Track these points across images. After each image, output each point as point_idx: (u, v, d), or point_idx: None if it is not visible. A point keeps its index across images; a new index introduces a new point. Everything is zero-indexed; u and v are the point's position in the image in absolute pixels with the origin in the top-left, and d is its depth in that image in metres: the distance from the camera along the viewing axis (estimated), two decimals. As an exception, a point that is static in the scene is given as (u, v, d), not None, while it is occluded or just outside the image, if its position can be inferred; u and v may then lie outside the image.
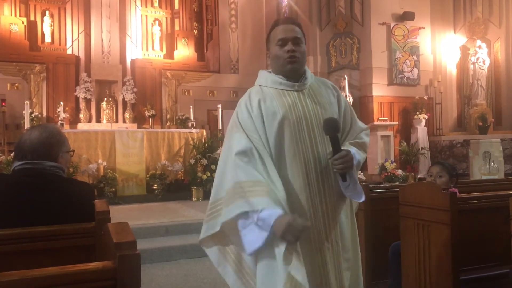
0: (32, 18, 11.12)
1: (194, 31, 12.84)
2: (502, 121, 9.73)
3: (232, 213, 1.72)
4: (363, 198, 1.90)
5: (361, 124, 2.03)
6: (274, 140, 1.81)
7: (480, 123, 9.48)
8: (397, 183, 7.81)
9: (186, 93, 11.86)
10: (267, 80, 1.94)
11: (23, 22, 10.75)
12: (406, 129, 9.98)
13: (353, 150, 1.84)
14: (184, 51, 12.17)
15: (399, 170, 8.67)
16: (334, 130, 1.76)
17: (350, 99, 9.11)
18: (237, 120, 1.86)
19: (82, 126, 10.30)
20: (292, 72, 1.89)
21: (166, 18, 12.44)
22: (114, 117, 10.89)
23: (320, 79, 2.03)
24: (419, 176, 9.12)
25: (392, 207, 3.15)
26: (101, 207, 1.80)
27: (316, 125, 1.85)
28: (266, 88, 1.91)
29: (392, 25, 9.84)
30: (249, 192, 1.69)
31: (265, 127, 1.82)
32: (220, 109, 9.08)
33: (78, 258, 1.68)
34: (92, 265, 1.21)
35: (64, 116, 9.96)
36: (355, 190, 1.86)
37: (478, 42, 9.82)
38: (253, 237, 1.70)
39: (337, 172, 1.79)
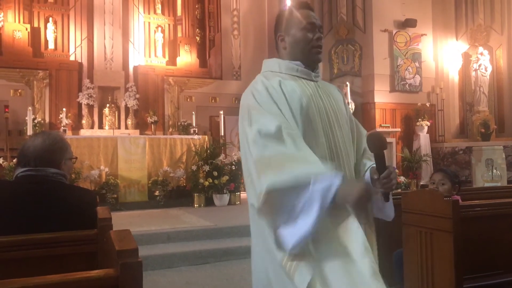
0: (35, 25, 11.19)
1: (197, 37, 12.89)
2: (504, 128, 9.72)
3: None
4: (393, 215, 1.75)
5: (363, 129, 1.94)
6: (302, 128, 1.59)
7: (483, 130, 9.46)
8: (399, 190, 7.79)
9: (188, 100, 11.89)
10: (280, 66, 1.76)
11: (26, 29, 10.81)
12: (408, 136, 9.97)
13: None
14: (187, 58, 12.21)
15: (402, 177, 8.65)
16: (381, 146, 1.54)
17: (352, 106, 9.12)
18: (255, 103, 1.60)
19: (84, 132, 10.32)
20: (317, 62, 1.76)
21: (169, 24, 12.50)
22: (117, 123, 10.91)
23: (324, 82, 1.93)
24: (421, 183, 9.10)
25: (394, 214, 3.14)
26: (103, 214, 1.80)
27: (334, 118, 1.70)
28: (281, 74, 1.73)
29: (394, 32, 9.86)
30: (286, 163, 1.40)
31: (291, 109, 1.59)
32: (222, 115, 9.09)
33: (80, 265, 1.68)
34: (94, 273, 1.21)
35: (67, 122, 9.98)
36: (390, 207, 1.71)
37: (480, 49, 9.83)
38: (299, 224, 1.38)
39: (385, 191, 1.59)
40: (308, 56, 1.73)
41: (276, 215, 1.44)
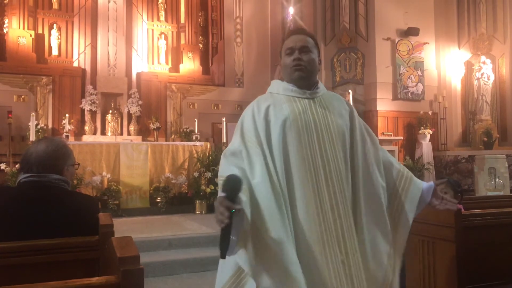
0: (40, 31, 11.26)
1: (200, 45, 12.95)
2: (507, 136, 9.70)
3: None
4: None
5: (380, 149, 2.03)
6: (281, 144, 1.79)
7: (485, 139, 9.45)
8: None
9: (191, 106, 11.92)
10: (278, 88, 1.96)
11: (31, 35, 10.88)
12: (410, 144, 9.95)
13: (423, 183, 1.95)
14: (190, 65, 12.26)
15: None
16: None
17: (354, 114, 9.11)
18: (240, 124, 1.89)
19: (87, 138, 10.34)
20: (300, 79, 1.91)
21: (172, 32, 12.57)
22: (119, 130, 10.93)
23: (333, 93, 2.05)
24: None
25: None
26: (105, 221, 1.80)
27: (326, 131, 1.84)
28: (277, 95, 1.93)
29: (396, 41, 9.88)
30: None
31: (270, 131, 1.81)
32: (224, 122, 9.10)
33: (81, 272, 1.68)
34: (95, 280, 1.21)
35: (69, 128, 10.01)
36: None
37: (483, 58, 9.84)
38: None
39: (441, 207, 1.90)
40: (291, 77, 1.93)
41: None
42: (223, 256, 1.59)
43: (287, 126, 1.80)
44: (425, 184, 1.94)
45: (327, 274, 1.68)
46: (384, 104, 9.75)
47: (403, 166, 2.00)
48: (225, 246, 1.58)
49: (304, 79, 1.91)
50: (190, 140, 10.11)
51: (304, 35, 1.96)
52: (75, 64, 11.40)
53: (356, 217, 1.82)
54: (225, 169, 1.76)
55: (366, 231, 1.82)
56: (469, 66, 10.20)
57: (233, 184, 1.61)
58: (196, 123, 10.55)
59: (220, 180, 1.74)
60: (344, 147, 1.87)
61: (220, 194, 1.62)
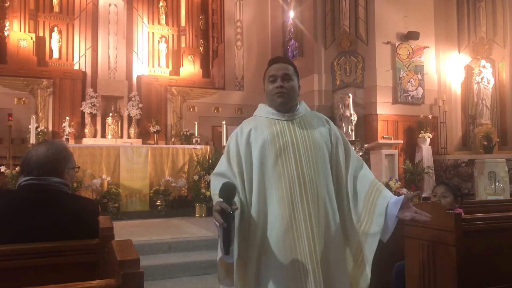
0: (40, 34, 11.28)
1: (200, 48, 12.97)
2: (507, 140, 9.70)
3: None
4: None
5: (357, 156, 2.19)
6: (259, 162, 1.98)
7: (485, 143, 9.45)
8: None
9: (191, 109, 11.93)
10: (261, 111, 2.17)
11: (31, 38, 10.90)
12: (410, 148, 9.95)
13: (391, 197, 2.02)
14: (190, 68, 12.28)
15: (404, 189, 8.62)
16: None
17: (354, 117, 9.12)
18: (227, 147, 2.12)
19: (87, 141, 10.34)
20: (281, 105, 2.09)
21: (173, 35, 12.59)
22: (119, 133, 10.94)
23: (315, 113, 2.22)
24: (423, 195, 9.06)
25: (396, 226, 3.12)
26: (105, 224, 1.80)
27: (304, 150, 2.01)
28: (260, 118, 2.14)
29: (396, 44, 9.90)
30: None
31: (251, 151, 2.02)
32: (224, 126, 9.11)
33: (81, 275, 1.67)
34: (95, 283, 1.21)
35: (70, 131, 10.01)
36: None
37: (483, 62, 9.85)
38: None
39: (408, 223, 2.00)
40: (273, 102, 2.11)
41: None
42: (227, 252, 1.81)
43: (265, 147, 2.00)
44: (393, 198, 1.99)
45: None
46: (384, 108, 9.76)
47: (376, 180, 2.11)
48: (228, 244, 1.79)
49: (285, 104, 2.09)
50: (190, 143, 10.12)
51: (286, 64, 2.15)
52: (76, 67, 11.41)
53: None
54: (217, 186, 1.88)
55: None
56: (469, 70, 10.21)
57: (230, 190, 1.80)
58: (196, 126, 10.56)
59: (214, 196, 1.97)
60: (324, 160, 2.04)
61: (216, 204, 1.80)
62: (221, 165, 2.07)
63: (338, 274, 1.95)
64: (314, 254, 1.88)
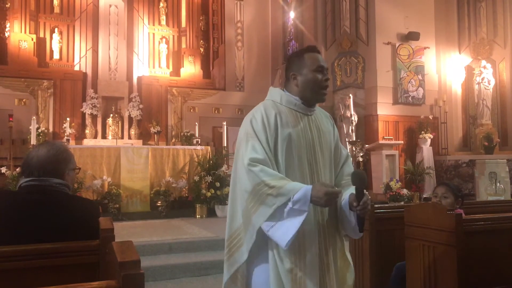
0: (41, 35, 11.29)
1: (201, 49, 12.98)
2: (508, 141, 9.70)
3: (261, 218, 1.79)
4: (360, 235, 2.00)
5: (344, 150, 2.19)
6: (284, 156, 1.90)
7: (486, 143, 9.44)
8: (402, 202, 7.76)
9: (191, 110, 11.93)
10: (281, 98, 2.01)
11: (32, 39, 10.91)
12: (411, 148, 9.95)
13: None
14: (190, 69, 12.28)
15: (404, 190, 8.62)
16: (361, 184, 1.84)
17: (355, 118, 9.12)
18: (251, 130, 1.91)
19: (87, 142, 10.35)
20: (322, 100, 2.04)
21: (173, 36, 12.60)
22: (120, 133, 10.94)
23: (322, 110, 2.16)
24: (424, 196, 9.06)
25: (397, 227, 3.13)
26: (106, 225, 1.80)
27: (320, 151, 1.99)
28: (280, 105, 1.99)
29: (397, 45, 9.90)
30: (273, 188, 1.78)
31: (278, 141, 1.90)
32: (225, 126, 9.11)
33: (82, 276, 1.67)
34: (96, 284, 1.21)
35: (70, 132, 10.01)
36: (358, 228, 1.95)
37: (483, 62, 9.86)
38: (286, 226, 1.76)
39: (361, 215, 1.85)
40: (316, 95, 2.00)
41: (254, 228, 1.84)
42: (362, 230, 1.90)
43: (292, 142, 1.92)
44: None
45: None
46: (385, 108, 9.76)
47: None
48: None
49: (324, 100, 2.06)
50: (191, 144, 10.12)
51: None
52: (76, 68, 11.43)
53: None
54: (266, 172, 1.81)
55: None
56: (469, 70, 10.21)
57: (362, 177, 1.82)
58: (196, 127, 10.57)
59: (269, 186, 1.79)
60: (331, 162, 2.05)
61: (309, 186, 1.78)
62: (255, 149, 1.87)
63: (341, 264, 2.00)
64: (325, 254, 1.91)
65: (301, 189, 1.76)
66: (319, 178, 1.94)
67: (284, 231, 1.75)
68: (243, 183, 1.85)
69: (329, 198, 1.74)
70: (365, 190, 1.91)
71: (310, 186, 1.77)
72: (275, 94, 2.04)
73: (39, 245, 1.71)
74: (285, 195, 1.76)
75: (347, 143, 8.54)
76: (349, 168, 2.12)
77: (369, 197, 1.92)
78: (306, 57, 1.99)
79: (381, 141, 9.26)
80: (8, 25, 11.08)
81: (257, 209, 1.79)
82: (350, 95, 9.11)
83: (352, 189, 1.91)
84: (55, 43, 11.35)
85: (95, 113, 10.76)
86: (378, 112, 9.70)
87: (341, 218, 1.97)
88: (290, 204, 1.75)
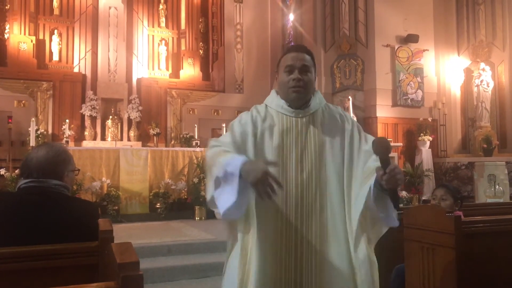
0: (41, 37, 11.29)
1: (200, 51, 12.98)
2: (506, 143, 9.71)
3: (209, 193, 1.81)
4: (397, 223, 1.82)
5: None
6: (260, 153, 1.87)
7: (485, 146, 9.45)
8: (401, 205, 7.76)
9: (191, 112, 11.93)
10: (272, 101, 1.99)
11: (32, 41, 10.91)
12: (410, 151, 9.96)
13: None
14: (190, 71, 12.29)
15: (404, 192, 8.62)
16: (386, 151, 1.66)
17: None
18: (231, 126, 1.95)
19: (87, 144, 10.34)
20: (295, 100, 1.92)
21: (173, 38, 12.61)
22: (119, 135, 10.93)
23: (329, 108, 2.02)
24: (423, 198, 9.06)
25: (396, 229, 3.12)
26: (105, 226, 1.80)
27: (309, 150, 1.86)
28: (270, 108, 1.98)
29: (396, 47, 9.92)
30: (215, 161, 1.77)
31: (255, 142, 1.88)
32: (224, 128, 9.11)
33: (81, 277, 1.67)
34: (95, 285, 1.21)
35: (69, 134, 10.01)
36: (393, 213, 1.77)
37: (482, 65, 9.87)
38: (224, 196, 1.70)
39: (392, 187, 1.63)
40: (287, 96, 1.93)
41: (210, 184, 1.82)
42: (397, 207, 1.66)
43: (267, 142, 1.88)
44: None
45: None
46: (384, 111, 9.77)
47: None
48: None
49: (299, 100, 1.92)
50: (190, 146, 10.11)
51: (304, 53, 1.94)
52: (76, 70, 11.42)
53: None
54: (215, 151, 1.82)
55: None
56: (468, 73, 10.22)
57: (385, 144, 1.63)
58: (196, 129, 10.56)
59: (213, 159, 1.79)
60: (330, 166, 1.87)
61: (244, 158, 1.71)
62: (225, 137, 1.93)
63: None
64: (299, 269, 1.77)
65: (234, 159, 1.71)
66: (302, 182, 1.82)
67: (224, 198, 1.71)
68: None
69: (264, 181, 1.59)
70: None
71: (243, 158, 1.70)
72: (270, 97, 2.03)
73: (38, 246, 1.70)
74: (221, 167, 1.72)
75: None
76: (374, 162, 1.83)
77: (399, 168, 1.65)
78: (282, 58, 1.98)
79: (380, 143, 9.25)
80: (7, 26, 11.07)
81: (208, 181, 1.84)
82: (349, 97, 9.12)
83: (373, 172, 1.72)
84: (55, 45, 11.35)
85: (94, 115, 10.75)
86: (377, 114, 9.71)
87: (373, 210, 1.77)
88: (221, 174, 1.70)
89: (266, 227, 1.78)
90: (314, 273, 1.77)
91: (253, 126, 1.90)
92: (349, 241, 1.81)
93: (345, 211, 1.84)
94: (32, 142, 7.93)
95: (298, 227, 1.79)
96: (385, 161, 1.63)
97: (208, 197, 1.84)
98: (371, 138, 1.94)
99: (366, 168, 1.85)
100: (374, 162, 1.81)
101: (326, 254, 1.79)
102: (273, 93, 2.03)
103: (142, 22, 12.18)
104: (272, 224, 1.79)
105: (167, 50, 12.45)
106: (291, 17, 11.94)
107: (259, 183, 1.60)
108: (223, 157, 1.74)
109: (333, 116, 1.98)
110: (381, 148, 1.64)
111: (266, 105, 2.00)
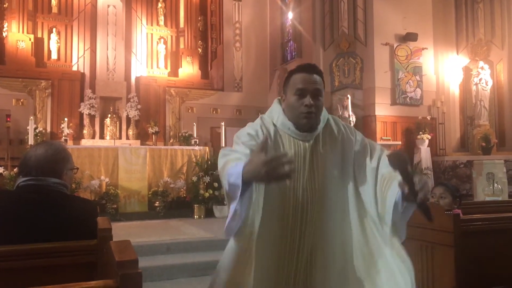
0: (39, 35, 11.28)
1: (199, 49, 12.98)
2: (505, 142, 9.72)
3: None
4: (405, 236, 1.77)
5: (378, 146, 1.96)
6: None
7: (483, 144, 9.46)
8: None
9: (189, 111, 11.93)
10: (278, 119, 1.88)
11: (30, 39, 10.89)
12: (409, 149, 9.95)
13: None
14: (189, 69, 12.28)
15: (402, 190, 8.61)
16: (404, 163, 1.58)
17: (353, 119, 9.12)
18: (239, 136, 1.84)
19: (85, 142, 10.33)
20: (306, 126, 1.83)
21: (171, 36, 12.60)
22: (118, 134, 10.93)
23: (328, 119, 1.95)
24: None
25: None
26: (104, 225, 1.80)
27: (313, 174, 1.80)
28: (275, 127, 1.87)
29: (395, 46, 9.91)
30: (222, 173, 1.68)
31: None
32: (223, 127, 9.10)
33: (79, 275, 1.67)
34: (93, 283, 1.21)
35: (68, 132, 10.00)
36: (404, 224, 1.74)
37: (481, 63, 9.88)
38: (231, 208, 1.63)
39: (423, 200, 1.55)
40: (297, 121, 1.83)
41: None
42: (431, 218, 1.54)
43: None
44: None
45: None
46: (383, 109, 9.77)
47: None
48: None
49: (310, 125, 1.83)
50: (189, 144, 10.11)
51: (316, 75, 1.84)
52: (74, 68, 11.41)
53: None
54: (226, 164, 1.70)
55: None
56: (467, 71, 10.23)
57: (402, 158, 1.57)
58: (194, 127, 10.56)
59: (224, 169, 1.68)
60: (337, 185, 1.84)
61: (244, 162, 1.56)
62: (236, 148, 1.79)
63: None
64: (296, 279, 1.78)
65: (236, 166, 1.57)
66: (303, 205, 1.78)
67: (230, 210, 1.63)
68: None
69: (272, 167, 1.42)
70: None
71: (240, 164, 1.56)
72: (275, 112, 1.91)
73: (37, 245, 1.70)
74: (225, 180, 1.62)
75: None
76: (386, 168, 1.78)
77: (422, 176, 1.65)
78: (292, 78, 1.86)
79: (379, 142, 9.26)
80: (6, 25, 11.06)
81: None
82: (348, 95, 9.12)
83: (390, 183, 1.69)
84: (53, 43, 11.34)
85: (93, 113, 10.75)
86: (376, 113, 9.70)
87: (394, 221, 1.70)
88: (227, 187, 1.60)
89: (270, 231, 1.76)
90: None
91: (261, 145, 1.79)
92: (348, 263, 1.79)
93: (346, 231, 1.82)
94: (31, 141, 7.92)
95: (301, 234, 1.80)
96: (406, 175, 1.57)
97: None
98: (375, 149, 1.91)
99: (380, 176, 1.80)
100: (386, 168, 1.77)
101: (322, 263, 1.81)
102: (277, 107, 1.92)
103: (141, 20, 12.17)
104: (276, 228, 1.78)
105: (166, 48, 12.44)
106: (290, 15, 11.93)
107: (268, 175, 1.43)
108: (228, 168, 1.64)
109: (331, 133, 1.92)
110: (400, 162, 1.58)
111: (270, 120, 1.89)
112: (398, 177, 1.62)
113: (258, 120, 1.90)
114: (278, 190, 1.76)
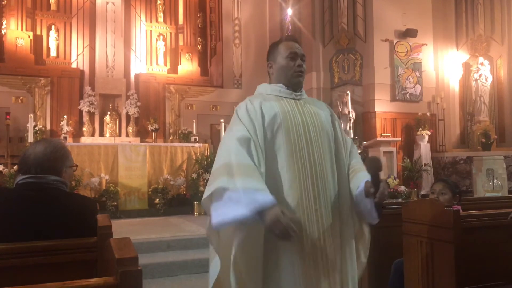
0: (38, 33, 11.25)
1: (198, 46, 12.95)
2: (505, 138, 9.72)
3: (212, 188, 1.78)
4: (377, 220, 1.99)
5: (348, 138, 2.20)
6: (271, 140, 1.92)
7: (483, 140, 9.46)
8: (400, 199, 7.78)
9: (189, 108, 11.92)
10: (266, 89, 2.12)
11: (29, 36, 10.86)
12: (409, 145, 9.96)
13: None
14: (188, 66, 12.26)
15: (402, 187, 8.63)
16: (377, 169, 1.84)
17: (353, 115, 9.11)
18: (237, 117, 1.98)
19: (85, 140, 10.33)
20: (298, 84, 2.08)
21: (171, 33, 12.57)
22: (117, 131, 10.92)
23: (313, 98, 2.24)
24: (422, 193, 9.08)
25: (395, 224, 3.13)
26: (103, 222, 1.80)
27: (313, 131, 1.98)
28: (266, 95, 2.09)
29: (394, 42, 9.90)
30: (239, 172, 1.75)
31: (264, 127, 1.93)
32: (223, 124, 9.09)
33: (79, 273, 1.67)
34: (93, 281, 1.21)
35: (68, 130, 9.99)
36: (376, 212, 1.95)
37: (481, 59, 9.86)
38: (226, 210, 1.73)
39: (378, 203, 1.87)
40: (290, 80, 2.08)
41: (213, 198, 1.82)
42: (380, 216, 1.94)
43: (278, 124, 1.94)
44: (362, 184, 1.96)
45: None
46: (383, 105, 9.76)
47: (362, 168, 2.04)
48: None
49: (301, 84, 2.10)
50: (189, 141, 10.11)
51: (299, 45, 2.13)
52: (73, 66, 11.39)
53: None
54: (242, 156, 1.80)
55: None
56: (467, 67, 10.22)
57: (378, 164, 1.83)
58: (194, 124, 10.55)
59: (237, 168, 1.77)
60: (329, 145, 2.03)
61: (273, 200, 1.72)
62: (241, 130, 1.90)
63: (348, 255, 1.98)
64: (322, 238, 1.87)
65: (265, 193, 1.72)
66: (313, 155, 1.93)
67: (224, 212, 1.74)
68: (229, 146, 1.86)
69: (284, 232, 1.68)
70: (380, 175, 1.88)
71: (273, 200, 1.70)
72: (262, 87, 2.15)
73: (37, 242, 1.70)
74: (244, 185, 1.72)
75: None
76: (356, 158, 2.11)
77: (386, 184, 1.89)
78: (280, 46, 2.12)
79: (379, 138, 9.27)
80: (4, 22, 11.02)
81: (218, 177, 1.80)
82: (348, 92, 9.11)
83: (362, 176, 1.95)
84: (52, 41, 11.31)
85: (92, 110, 10.73)
86: (376, 109, 9.70)
87: (357, 205, 1.99)
88: (241, 192, 1.72)
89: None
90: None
91: (261, 113, 1.95)
92: (344, 210, 2.00)
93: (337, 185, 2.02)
94: (30, 138, 7.92)
95: (317, 204, 1.91)
96: (376, 180, 1.84)
97: (207, 194, 1.82)
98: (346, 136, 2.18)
99: (351, 166, 2.07)
100: (355, 158, 2.09)
101: (337, 219, 1.97)
102: (262, 85, 2.16)
103: (140, 17, 12.14)
104: (294, 200, 1.88)
105: (165, 45, 12.41)
106: (289, 11, 11.90)
107: (277, 235, 1.70)
108: (249, 180, 1.73)
109: (320, 103, 2.19)
110: (374, 169, 1.84)
111: (260, 94, 2.10)
112: (365, 173, 1.92)
113: (245, 100, 2.06)
114: (284, 148, 1.91)
